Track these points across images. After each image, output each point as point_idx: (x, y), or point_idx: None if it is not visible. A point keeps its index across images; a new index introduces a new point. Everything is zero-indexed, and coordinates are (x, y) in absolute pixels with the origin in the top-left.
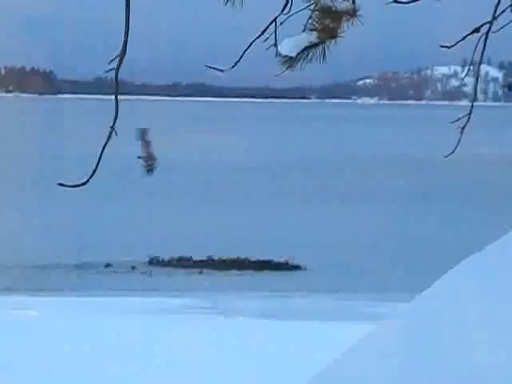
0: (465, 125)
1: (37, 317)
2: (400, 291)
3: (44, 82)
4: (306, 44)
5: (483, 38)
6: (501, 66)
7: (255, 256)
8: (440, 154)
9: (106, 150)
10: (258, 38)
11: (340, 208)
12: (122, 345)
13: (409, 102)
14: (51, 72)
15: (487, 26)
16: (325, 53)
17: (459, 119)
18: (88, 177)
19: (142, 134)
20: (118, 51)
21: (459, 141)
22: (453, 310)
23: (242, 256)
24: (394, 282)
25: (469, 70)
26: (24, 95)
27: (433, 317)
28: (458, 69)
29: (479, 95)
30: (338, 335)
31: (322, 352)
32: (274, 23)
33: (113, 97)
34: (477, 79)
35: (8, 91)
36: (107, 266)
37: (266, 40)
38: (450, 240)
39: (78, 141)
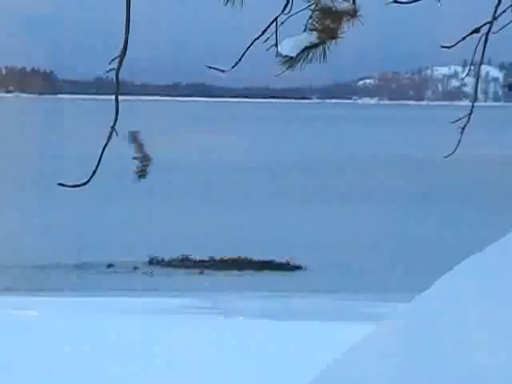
0: (465, 125)
1: (37, 317)
2: (400, 291)
3: (44, 82)
4: (307, 44)
5: (483, 38)
6: (501, 67)
7: (256, 256)
8: (440, 155)
9: (106, 150)
10: (258, 38)
11: (340, 208)
12: (122, 345)
13: (409, 102)
14: (51, 72)
15: (487, 26)
16: (325, 53)
17: (459, 119)
18: (88, 177)
19: (133, 137)
20: (118, 51)
21: (459, 141)
22: (453, 310)
23: (243, 256)
24: (394, 283)
25: (469, 70)
26: (24, 95)
27: (433, 317)
28: (459, 69)
29: (480, 95)
30: (338, 335)
31: (322, 352)
32: (274, 23)
33: (113, 97)
34: (477, 79)
35: (8, 91)
36: (109, 266)
37: (266, 40)
38: (450, 240)
39: (78, 141)
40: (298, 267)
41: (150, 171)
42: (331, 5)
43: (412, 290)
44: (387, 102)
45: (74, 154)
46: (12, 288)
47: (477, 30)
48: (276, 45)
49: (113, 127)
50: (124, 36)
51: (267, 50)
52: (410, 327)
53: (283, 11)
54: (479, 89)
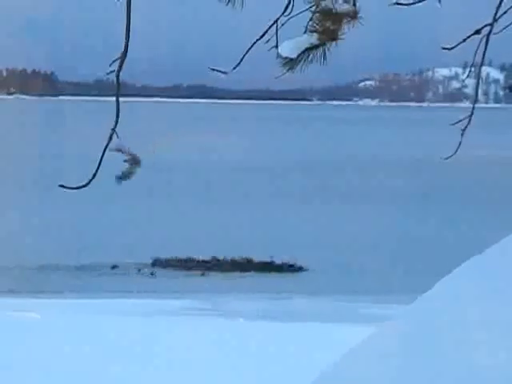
0: (466, 127)
1: (40, 319)
2: (401, 292)
3: (45, 84)
4: (307, 46)
5: (484, 39)
6: (502, 68)
7: (256, 257)
8: (441, 156)
9: (107, 151)
10: (259, 39)
11: (341, 209)
12: (124, 346)
13: (410, 103)
14: (52, 74)
15: (488, 27)
16: (325, 54)
17: (460, 121)
18: (88, 178)
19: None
20: (119, 53)
21: (460, 143)
22: (453, 310)
23: (244, 257)
24: (394, 283)
25: (470, 71)
26: (25, 97)
27: (434, 318)
28: (459, 70)
29: (480, 97)
30: (339, 337)
31: (322, 354)
32: (275, 25)
33: (113, 98)
34: (478, 81)
35: (9, 93)
36: (113, 267)
37: (267, 42)
38: (450, 240)
39: (79, 142)
40: (299, 268)
41: (151, 172)
42: (332, 6)
43: (412, 290)
44: (388, 103)
45: (75, 154)
46: (15, 290)
47: (478, 32)
48: (276, 46)
49: (113, 129)
50: (125, 38)
51: (268, 50)
52: (411, 329)
53: (284, 13)
54: (480, 90)
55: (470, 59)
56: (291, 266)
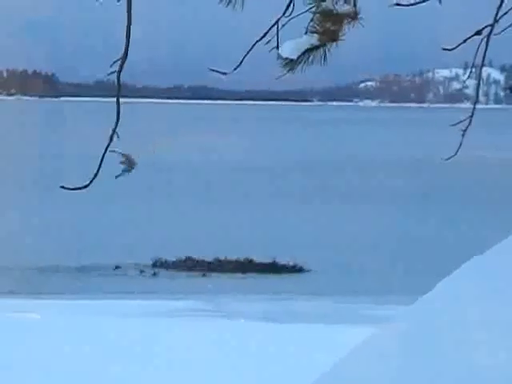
0: (466, 127)
1: (39, 319)
2: (401, 293)
3: (46, 85)
4: (307, 46)
5: (485, 40)
6: (502, 69)
7: (257, 257)
8: (442, 157)
9: (107, 151)
10: (259, 40)
11: (342, 209)
12: (125, 347)
13: (410, 104)
14: (53, 75)
15: (489, 28)
16: (326, 55)
17: (461, 122)
18: (89, 179)
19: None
20: (120, 54)
21: (461, 143)
22: (453, 311)
23: (245, 258)
24: (395, 284)
25: (470, 72)
26: (26, 98)
27: (434, 319)
28: (460, 71)
29: (481, 98)
30: (339, 338)
31: (323, 355)
32: (275, 26)
33: (114, 99)
34: (478, 82)
35: (10, 94)
36: (116, 268)
37: (267, 43)
38: (451, 241)
39: (80, 143)
40: (300, 269)
41: (152, 172)
42: (332, 7)
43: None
44: (388, 104)
45: (76, 155)
46: (15, 291)
47: (478, 32)
48: (277, 47)
49: (114, 130)
50: (125, 39)
51: (269, 51)
52: (411, 329)
53: (284, 14)
54: (480, 91)
55: (470, 60)
56: (293, 267)
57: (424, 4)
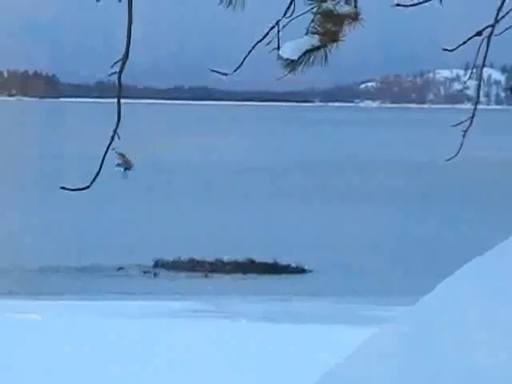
0: (467, 128)
1: (40, 320)
2: (401, 293)
3: (46, 86)
4: (308, 47)
5: (486, 41)
6: (503, 69)
7: (258, 258)
8: (442, 157)
9: (108, 152)
10: (260, 41)
11: (344, 210)
12: (126, 348)
13: (411, 105)
14: (54, 76)
15: (490, 29)
16: (326, 56)
17: (462, 122)
18: (90, 179)
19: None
20: (120, 55)
21: (462, 144)
22: (454, 312)
23: (247, 258)
24: (395, 284)
25: (471, 73)
26: (26, 99)
27: (434, 319)
28: (461, 72)
29: (482, 98)
30: (339, 338)
31: (323, 355)
32: (276, 27)
33: (115, 100)
34: (479, 82)
35: (11, 95)
36: (119, 269)
37: (268, 43)
38: (451, 241)
39: (81, 144)
40: (302, 270)
41: (153, 172)
42: (333, 8)
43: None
44: (389, 105)
45: (76, 155)
46: (17, 292)
47: (479, 33)
48: (278, 48)
49: (115, 130)
50: (126, 39)
51: (270, 52)
52: (412, 329)
53: (285, 14)
54: (481, 92)
55: (471, 61)
56: (294, 267)
57: (425, 4)
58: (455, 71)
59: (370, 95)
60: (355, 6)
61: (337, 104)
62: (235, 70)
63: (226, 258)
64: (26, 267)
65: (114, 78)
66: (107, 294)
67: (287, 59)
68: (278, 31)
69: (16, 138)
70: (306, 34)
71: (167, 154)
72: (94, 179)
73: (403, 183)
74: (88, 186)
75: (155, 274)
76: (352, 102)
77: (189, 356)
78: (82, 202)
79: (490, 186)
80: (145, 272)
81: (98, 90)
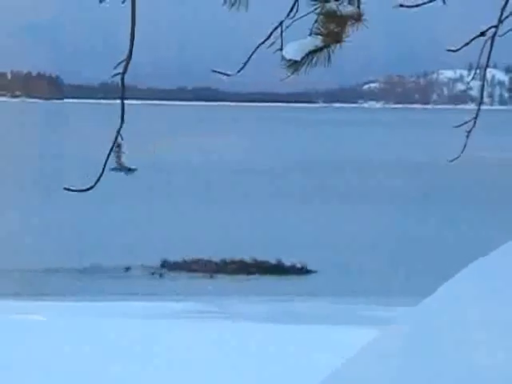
0: (471, 129)
1: (43, 321)
2: (401, 293)
3: (50, 87)
4: (311, 48)
5: (489, 41)
6: (507, 70)
7: (259, 258)
8: (446, 158)
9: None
10: (263, 42)
11: (343, 209)
12: (128, 348)
13: (415, 105)
14: (57, 77)
15: (493, 29)
16: (330, 57)
17: (465, 123)
18: (93, 180)
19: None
20: (124, 56)
21: (465, 145)
22: (454, 312)
23: (251, 259)
24: (395, 284)
25: (475, 73)
26: (30, 100)
27: (434, 319)
28: (464, 72)
29: (485, 99)
30: (341, 339)
31: (323, 356)
32: (279, 27)
33: (118, 101)
34: (483, 83)
35: (14, 96)
36: (127, 269)
37: (271, 45)
38: (451, 241)
39: (85, 145)
40: (307, 271)
41: (155, 173)
42: (336, 9)
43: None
44: (393, 105)
45: (80, 156)
46: (22, 293)
47: (483, 34)
48: (281, 49)
49: (119, 131)
50: (130, 41)
51: (273, 53)
52: (412, 329)
53: (288, 15)
54: (485, 92)
55: (474, 61)
56: (297, 268)
57: (428, 5)
58: (459, 72)
59: (373, 96)
60: (358, 7)
61: (340, 105)
62: (239, 71)
63: (232, 259)
64: (29, 268)
65: (118, 78)
66: (111, 294)
67: (290, 60)
68: (282, 32)
69: (21, 138)
70: (310, 34)
71: (168, 154)
72: (98, 180)
73: (405, 183)
74: (92, 187)
75: (161, 275)
76: (355, 102)
77: (190, 356)
78: (82, 203)
79: (492, 186)
80: (153, 273)
81: (102, 91)
